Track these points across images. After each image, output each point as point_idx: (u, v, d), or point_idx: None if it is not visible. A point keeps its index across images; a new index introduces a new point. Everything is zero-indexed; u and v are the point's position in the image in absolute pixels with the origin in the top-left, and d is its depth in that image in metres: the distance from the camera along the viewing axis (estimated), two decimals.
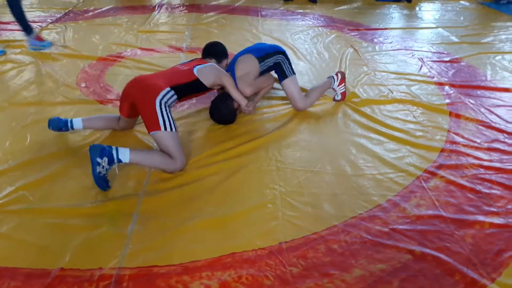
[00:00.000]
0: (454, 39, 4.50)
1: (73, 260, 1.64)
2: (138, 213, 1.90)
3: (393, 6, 6.08)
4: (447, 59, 3.87)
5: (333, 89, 2.99)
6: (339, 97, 2.98)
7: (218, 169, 2.24)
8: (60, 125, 2.39)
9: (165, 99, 2.21)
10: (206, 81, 2.47)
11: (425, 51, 4.09)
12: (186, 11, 5.59)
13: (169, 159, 2.14)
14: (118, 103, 2.85)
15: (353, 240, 1.78)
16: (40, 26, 4.66)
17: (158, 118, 2.14)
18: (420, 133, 2.60)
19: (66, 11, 5.39)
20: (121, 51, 3.95)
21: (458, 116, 2.81)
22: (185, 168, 2.21)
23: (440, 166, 2.27)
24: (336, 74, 2.98)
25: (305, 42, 4.38)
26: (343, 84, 2.96)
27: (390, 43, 4.35)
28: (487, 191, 2.09)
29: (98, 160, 1.96)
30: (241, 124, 2.68)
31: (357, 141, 2.52)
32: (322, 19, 5.27)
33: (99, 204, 1.94)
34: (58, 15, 5.15)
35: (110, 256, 1.66)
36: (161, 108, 2.16)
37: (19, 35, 4.30)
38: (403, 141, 2.51)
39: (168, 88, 2.26)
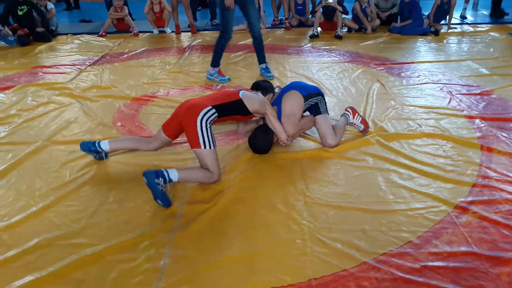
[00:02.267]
0: (484, 71, 4.47)
1: None
2: (171, 247, 1.95)
3: (420, 39, 6.13)
4: (477, 91, 3.84)
5: (352, 123, 3.06)
6: (362, 127, 3.04)
7: (247, 202, 2.28)
8: (89, 145, 2.64)
9: (206, 117, 2.42)
10: (250, 106, 2.63)
11: (454, 84, 4.07)
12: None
13: (208, 173, 2.42)
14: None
15: (384, 277, 1.76)
16: (79, 68, 4.97)
17: (198, 137, 2.38)
18: (451, 168, 2.56)
19: (103, 54, 5.74)
20: (154, 91, 4.15)
21: (490, 149, 2.76)
22: (219, 184, 2.46)
23: (472, 202, 2.23)
24: (347, 110, 3.10)
25: (331, 77, 4.46)
26: (357, 114, 3.06)
27: (418, 77, 4.36)
28: None
29: (156, 180, 2.21)
30: (270, 159, 2.73)
31: (386, 176, 2.51)
32: (348, 54, 5.37)
33: (134, 238, 2.00)
34: (96, 58, 5.49)
35: None
36: (201, 126, 2.39)
37: (60, 77, 4.61)
38: (433, 176, 2.48)
39: (210, 107, 2.46)
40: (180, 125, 2.50)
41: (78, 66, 5.08)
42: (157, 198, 2.23)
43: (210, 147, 2.39)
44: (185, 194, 2.37)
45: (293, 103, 2.82)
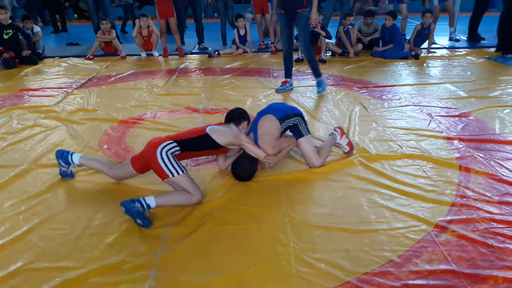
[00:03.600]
0: (462, 93, 4.63)
1: None
2: (156, 269, 1.95)
3: (401, 63, 6.32)
4: (456, 113, 3.97)
5: (338, 144, 3.14)
6: (347, 149, 3.12)
7: (232, 224, 2.31)
8: (64, 153, 2.78)
9: (165, 150, 2.44)
10: (220, 139, 2.60)
11: (433, 107, 4.21)
12: (202, 74, 5.92)
13: (188, 195, 2.45)
14: None
15: None
16: (65, 91, 4.99)
17: (162, 167, 2.41)
18: (431, 188, 2.64)
19: (90, 77, 5.77)
20: (141, 113, 4.18)
21: (468, 170, 2.85)
22: (202, 203, 2.52)
23: (451, 221, 2.29)
24: (335, 130, 3.18)
25: (315, 100, 4.57)
26: (345, 135, 3.15)
27: (399, 99, 4.50)
28: (500, 245, 2.09)
29: (133, 205, 2.28)
30: (255, 181, 2.77)
31: (368, 196, 2.57)
32: (331, 78, 5.50)
33: (119, 261, 2.00)
34: (83, 81, 5.52)
35: None
36: (162, 158, 2.42)
37: (46, 100, 4.62)
38: (413, 196, 2.55)
39: (169, 141, 2.49)
40: (146, 163, 2.52)
41: (65, 89, 5.10)
42: (136, 218, 2.26)
43: (178, 174, 2.42)
44: (170, 215, 2.39)
45: (268, 126, 2.85)
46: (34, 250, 2.10)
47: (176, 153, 2.49)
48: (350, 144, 3.14)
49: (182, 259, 2.03)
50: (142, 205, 2.29)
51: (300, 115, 3.00)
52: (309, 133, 3.01)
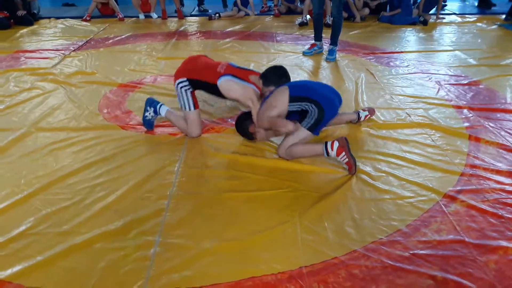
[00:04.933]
0: (472, 61, 4.51)
1: (99, 282, 1.68)
2: (161, 235, 1.93)
3: (409, 29, 6.14)
4: (465, 82, 3.87)
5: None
6: (346, 168, 2.45)
7: (236, 190, 2.27)
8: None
9: (181, 85, 2.75)
10: (227, 94, 2.70)
11: (442, 74, 4.09)
12: (203, 37, 5.75)
13: (188, 129, 2.82)
14: (139, 127, 2.95)
15: (374, 265, 1.77)
16: (63, 53, 4.85)
17: (179, 100, 2.79)
18: (439, 157, 2.59)
19: (88, 39, 5.61)
20: (141, 77, 4.07)
21: (477, 139, 2.79)
22: (199, 139, 2.81)
23: (460, 191, 2.25)
24: (332, 143, 2.42)
25: (320, 66, 4.44)
26: (343, 153, 2.39)
27: (407, 66, 4.38)
28: (510, 215, 2.06)
29: (147, 108, 2.86)
30: (261, 147, 2.71)
31: (375, 165, 2.52)
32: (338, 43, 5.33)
33: (123, 226, 1.98)
34: (80, 43, 5.36)
35: (134, 278, 1.69)
36: (178, 92, 2.78)
37: (44, 63, 4.49)
38: (422, 165, 2.50)
39: (183, 79, 2.74)
40: None
41: (62, 51, 4.95)
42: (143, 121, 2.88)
43: (189, 109, 2.77)
44: (174, 181, 2.34)
45: (274, 98, 2.53)
46: (37, 215, 2.06)
47: (190, 90, 2.76)
48: (349, 164, 2.40)
49: (187, 226, 2.00)
50: (155, 110, 2.84)
51: (317, 103, 2.47)
52: (311, 130, 2.51)
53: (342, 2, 4.46)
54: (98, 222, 2.01)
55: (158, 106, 2.87)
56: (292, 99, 2.51)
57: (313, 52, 4.81)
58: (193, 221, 2.03)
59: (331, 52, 4.63)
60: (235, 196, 2.23)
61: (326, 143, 2.45)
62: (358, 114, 2.95)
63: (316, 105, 2.48)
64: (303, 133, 2.52)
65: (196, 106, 2.80)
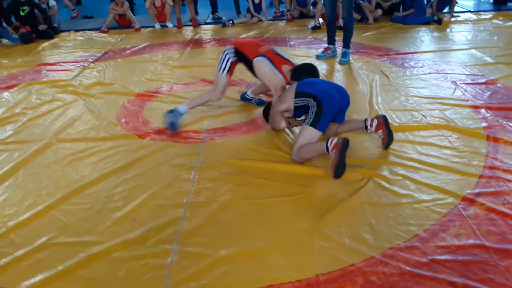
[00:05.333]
0: (489, 59, 4.43)
1: None
2: (178, 243, 1.95)
3: (423, 28, 6.07)
4: (482, 81, 3.81)
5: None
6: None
7: (253, 197, 2.27)
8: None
9: (226, 51, 3.08)
10: (258, 74, 3.01)
11: (458, 74, 4.04)
12: (217, 45, 5.81)
13: (212, 90, 3.16)
14: (156, 136, 3.01)
15: (392, 271, 1.75)
16: (82, 65, 4.97)
17: (218, 63, 3.10)
18: (457, 159, 2.55)
19: (106, 50, 5.73)
20: (158, 86, 4.14)
21: (496, 140, 2.74)
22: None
23: (479, 193, 2.21)
24: (332, 141, 2.40)
25: (334, 69, 4.43)
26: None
27: (421, 67, 4.33)
28: None
29: (169, 115, 3.02)
30: (275, 154, 2.72)
31: (391, 168, 2.49)
32: (350, 45, 5.30)
33: (141, 235, 2.01)
34: (98, 54, 5.48)
35: (153, 287, 1.72)
36: (224, 56, 3.08)
37: (64, 75, 4.61)
38: (439, 168, 2.47)
39: (232, 46, 3.08)
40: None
41: (81, 63, 5.08)
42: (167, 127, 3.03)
43: (222, 72, 3.06)
44: (190, 189, 2.37)
45: (285, 94, 2.75)
46: (58, 225, 2.11)
47: (232, 59, 3.04)
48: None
49: (203, 234, 2.02)
50: (173, 113, 3.00)
51: (317, 99, 2.51)
52: (314, 125, 2.49)
53: (352, 5, 4.46)
54: (117, 231, 2.05)
55: (175, 109, 3.07)
56: (298, 95, 2.64)
57: (326, 55, 4.80)
58: (210, 229, 2.05)
59: (344, 55, 4.62)
60: (251, 202, 2.24)
61: (327, 141, 2.41)
62: (365, 122, 2.74)
63: (314, 100, 2.54)
64: (309, 131, 2.53)
65: (229, 73, 3.08)
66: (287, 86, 2.93)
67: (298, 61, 4.71)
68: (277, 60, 3.01)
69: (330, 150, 2.40)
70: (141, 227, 2.06)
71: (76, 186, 2.43)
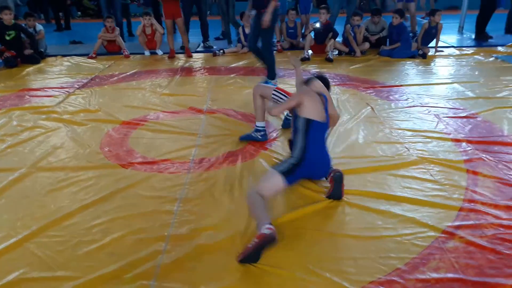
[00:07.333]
0: (470, 94, 4.54)
1: None
2: (156, 279, 1.90)
3: (408, 62, 6.23)
4: (463, 114, 3.89)
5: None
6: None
7: (232, 229, 2.25)
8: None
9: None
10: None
11: (441, 107, 4.12)
12: (207, 73, 5.86)
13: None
14: (139, 166, 2.98)
15: None
16: (67, 91, 4.95)
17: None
18: (438, 192, 2.57)
19: (93, 76, 5.73)
20: (145, 114, 4.13)
21: (475, 173, 2.78)
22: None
23: (459, 226, 2.23)
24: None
25: None
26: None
27: (406, 100, 4.41)
28: (508, 251, 2.02)
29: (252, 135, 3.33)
30: None
31: (374, 201, 2.50)
32: (338, 77, 5.42)
33: (118, 270, 1.95)
34: (85, 81, 5.48)
35: None
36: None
37: (47, 101, 4.58)
38: (421, 201, 2.48)
39: None
40: None
41: (67, 89, 5.06)
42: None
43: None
44: (173, 221, 2.34)
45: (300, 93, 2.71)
46: (31, 259, 2.05)
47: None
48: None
49: (184, 268, 1.97)
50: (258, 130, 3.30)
51: (304, 156, 2.44)
52: (287, 179, 2.34)
53: (270, 38, 4.67)
54: (93, 265, 1.99)
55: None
56: (295, 118, 2.57)
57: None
58: (190, 264, 2.01)
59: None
60: (231, 242, 2.18)
61: (268, 223, 2.04)
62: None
63: (301, 150, 2.45)
64: (276, 179, 2.33)
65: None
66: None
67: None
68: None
69: (260, 230, 2.02)
70: (119, 262, 2.01)
71: (54, 217, 2.37)
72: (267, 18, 4.41)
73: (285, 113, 3.58)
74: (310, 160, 2.45)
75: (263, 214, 2.12)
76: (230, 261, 2.02)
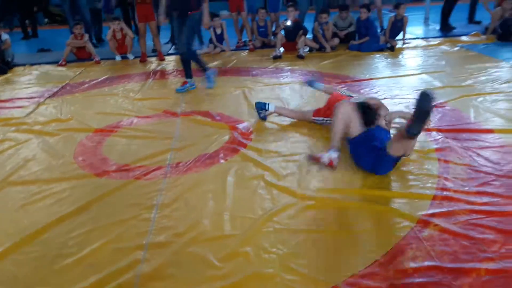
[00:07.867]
0: (437, 83, 4.66)
1: None
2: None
3: (377, 55, 6.35)
4: None
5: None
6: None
7: (211, 233, 2.25)
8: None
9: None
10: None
11: (410, 98, 4.21)
12: (180, 76, 5.81)
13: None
14: (114, 174, 2.93)
15: None
16: (37, 101, 4.83)
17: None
18: (412, 182, 2.64)
19: (63, 84, 5.61)
20: (118, 120, 4.07)
21: (446, 161, 2.86)
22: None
23: (433, 214, 2.29)
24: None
25: (295, 97, 4.53)
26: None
27: (377, 92, 4.50)
28: (480, 236, 2.10)
29: (260, 111, 3.79)
30: (245, 185, 2.72)
31: (348, 194, 2.55)
32: (310, 74, 5.47)
33: (97, 281, 1.92)
34: (55, 89, 5.35)
35: None
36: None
37: (17, 112, 4.46)
38: (396, 192, 2.55)
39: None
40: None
41: (37, 99, 4.94)
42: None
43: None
44: (150, 229, 2.31)
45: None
46: (6, 277, 1.99)
47: None
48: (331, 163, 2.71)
49: (165, 275, 1.96)
50: (266, 109, 3.73)
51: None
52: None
53: (191, 39, 4.77)
54: (72, 279, 1.95)
55: (267, 105, 3.73)
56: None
57: (185, 89, 4.97)
58: (171, 270, 1.99)
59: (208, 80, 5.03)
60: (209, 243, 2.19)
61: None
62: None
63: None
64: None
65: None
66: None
67: (261, 90, 4.84)
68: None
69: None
70: (98, 273, 1.98)
71: (28, 232, 2.30)
72: (206, 20, 4.71)
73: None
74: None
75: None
76: (210, 266, 2.01)
